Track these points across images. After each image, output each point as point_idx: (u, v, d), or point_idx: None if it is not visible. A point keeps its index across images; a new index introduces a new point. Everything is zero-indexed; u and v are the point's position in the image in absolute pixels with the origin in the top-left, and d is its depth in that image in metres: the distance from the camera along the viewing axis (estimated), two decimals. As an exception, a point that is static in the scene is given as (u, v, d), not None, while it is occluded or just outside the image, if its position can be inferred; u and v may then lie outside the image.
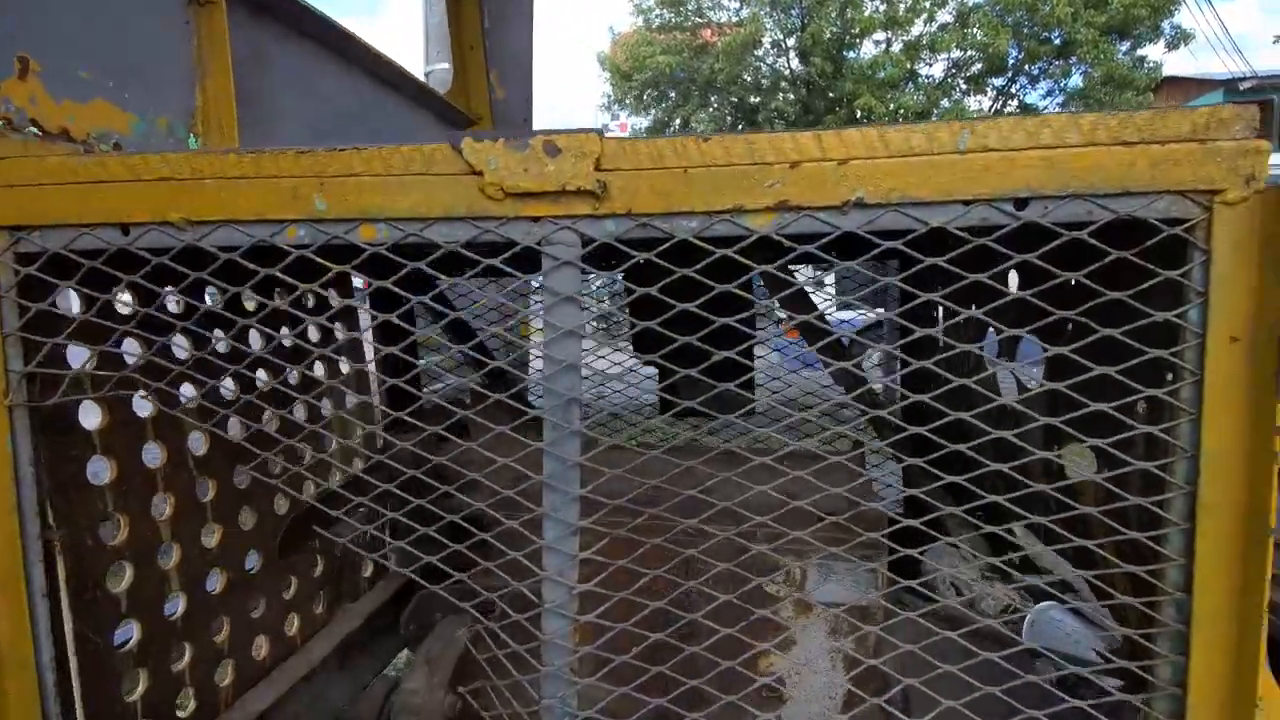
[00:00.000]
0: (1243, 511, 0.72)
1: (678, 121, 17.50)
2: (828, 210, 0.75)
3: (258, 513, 1.39)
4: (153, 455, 1.21)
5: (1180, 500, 0.75)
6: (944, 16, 15.73)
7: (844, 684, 1.23)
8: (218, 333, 1.03)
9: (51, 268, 0.89)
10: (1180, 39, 14.91)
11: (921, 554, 1.59)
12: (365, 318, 1.81)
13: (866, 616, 1.22)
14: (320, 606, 1.60)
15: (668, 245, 0.79)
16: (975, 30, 14.95)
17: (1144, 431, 0.76)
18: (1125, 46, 15.08)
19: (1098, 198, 0.70)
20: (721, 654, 0.90)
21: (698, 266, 0.79)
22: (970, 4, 15.23)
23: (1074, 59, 15.01)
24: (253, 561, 1.35)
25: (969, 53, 15.69)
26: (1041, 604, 1.54)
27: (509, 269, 0.82)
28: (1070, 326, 0.96)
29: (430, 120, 2.39)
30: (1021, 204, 0.71)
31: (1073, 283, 0.75)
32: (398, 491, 1.01)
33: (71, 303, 0.96)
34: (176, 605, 1.25)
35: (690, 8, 16.83)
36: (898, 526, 1.04)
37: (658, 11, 17.02)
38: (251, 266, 0.84)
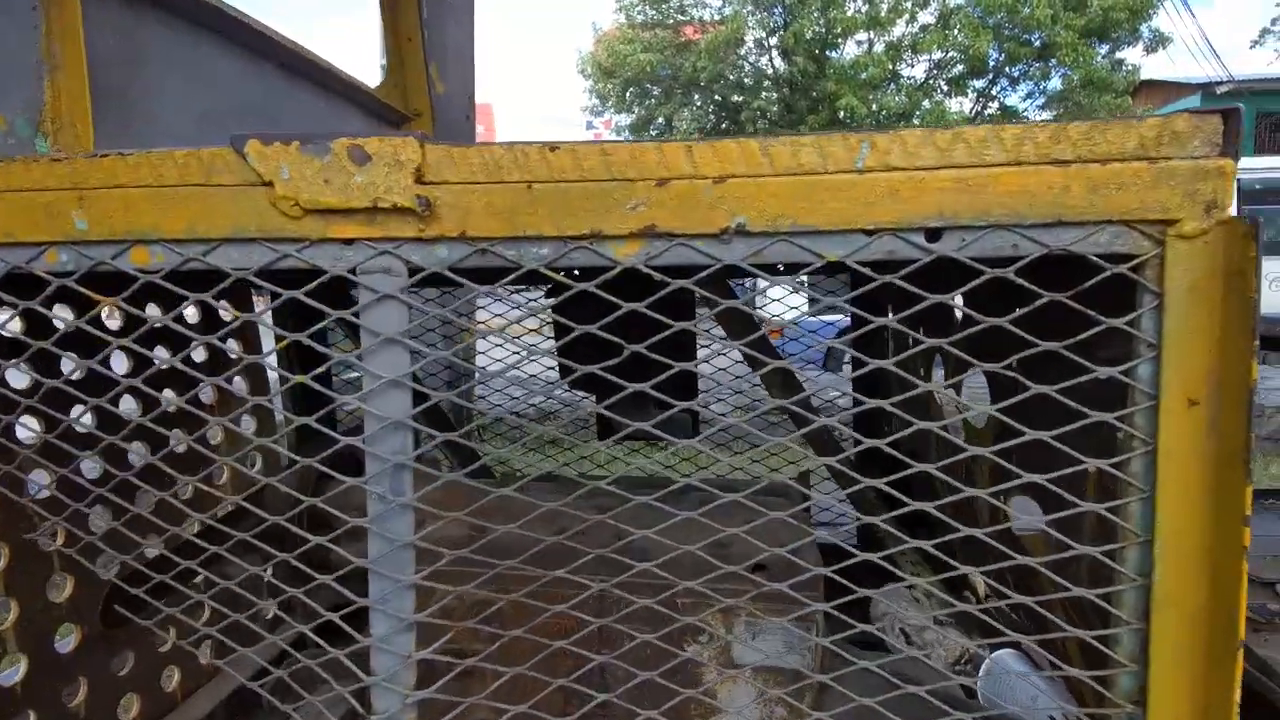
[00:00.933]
0: (1206, 613, 0.58)
1: (660, 120, 17.33)
2: (705, 239, 0.60)
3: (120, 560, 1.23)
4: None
5: (1132, 594, 0.61)
6: (926, 17, 15.69)
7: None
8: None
9: None
10: (1158, 43, 14.98)
11: (870, 596, 1.46)
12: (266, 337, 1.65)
13: (799, 680, 1.08)
14: (206, 656, 1.43)
15: (515, 276, 0.64)
16: (956, 32, 14.92)
17: (1087, 509, 0.62)
18: (1104, 49, 15.12)
19: (1024, 228, 0.56)
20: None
21: (597, 281, 0.63)
22: (952, 5, 15.20)
23: (1054, 61, 15.03)
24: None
25: (950, 54, 15.66)
26: (998, 652, 1.42)
27: (314, 302, 0.66)
28: (1015, 367, 0.83)
29: (359, 116, 2.22)
30: (934, 235, 0.57)
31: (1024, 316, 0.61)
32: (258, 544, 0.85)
33: None
34: (17, 671, 1.08)
35: (673, 5, 16.66)
36: (845, 564, 0.90)
37: (640, 8, 16.84)
38: (7, 299, 0.68)
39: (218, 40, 1.62)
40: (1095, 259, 0.56)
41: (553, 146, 0.61)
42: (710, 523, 0.74)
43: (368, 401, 0.65)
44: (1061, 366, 0.60)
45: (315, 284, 0.64)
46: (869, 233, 0.58)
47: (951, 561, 0.69)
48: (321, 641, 0.76)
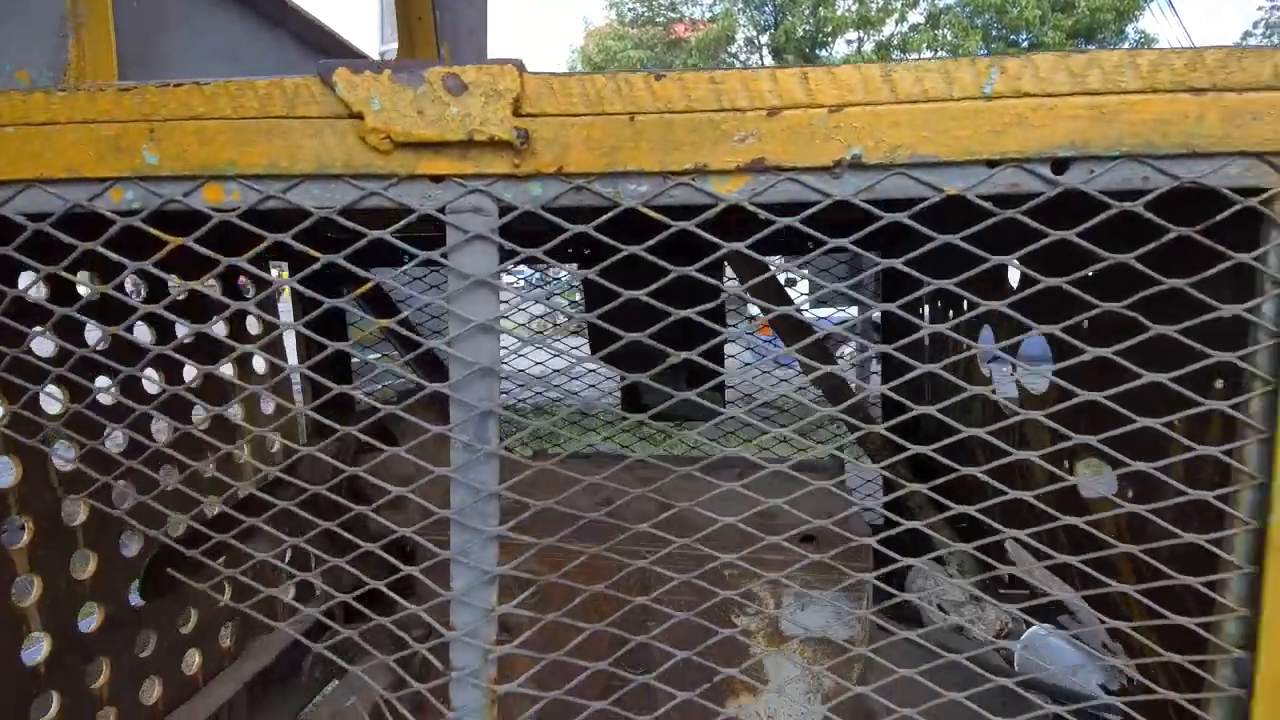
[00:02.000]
0: (1325, 557, 0.57)
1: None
2: (815, 172, 0.58)
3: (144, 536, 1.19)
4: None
5: (1244, 538, 0.60)
6: (915, 17, 15.81)
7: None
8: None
9: None
10: (1145, 44, 15.21)
11: (906, 571, 1.44)
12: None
13: (846, 651, 1.06)
14: (228, 639, 1.39)
15: (611, 215, 0.61)
16: (945, 31, 15.05)
17: (1198, 453, 0.61)
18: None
19: (1156, 159, 0.55)
20: (686, 690, 0.73)
21: (648, 244, 0.61)
22: (941, 5, 15.33)
23: (1041, 62, 15.20)
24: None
25: (939, 53, 15.80)
26: (1034, 627, 1.41)
27: (405, 245, 0.63)
28: (1088, 323, 0.81)
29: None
30: (1061, 166, 0.55)
31: (1098, 263, 0.60)
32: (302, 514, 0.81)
33: None
34: (40, 649, 1.04)
35: (663, 2, 16.65)
36: (883, 535, 0.88)
37: (631, 5, 16.81)
38: (68, 240, 0.64)
39: (237, 8, 1.57)
40: (1225, 191, 0.55)
41: (659, 75, 0.58)
42: (755, 495, 0.72)
43: (455, 346, 0.62)
44: (1168, 310, 0.59)
45: (404, 223, 0.61)
46: (991, 164, 0.56)
47: (994, 524, 0.67)
48: (364, 612, 0.73)
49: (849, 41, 16.17)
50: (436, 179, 0.61)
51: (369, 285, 0.67)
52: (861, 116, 0.56)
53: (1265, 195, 0.55)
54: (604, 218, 0.61)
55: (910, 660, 0.77)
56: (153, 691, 1.21)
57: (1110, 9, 14.03)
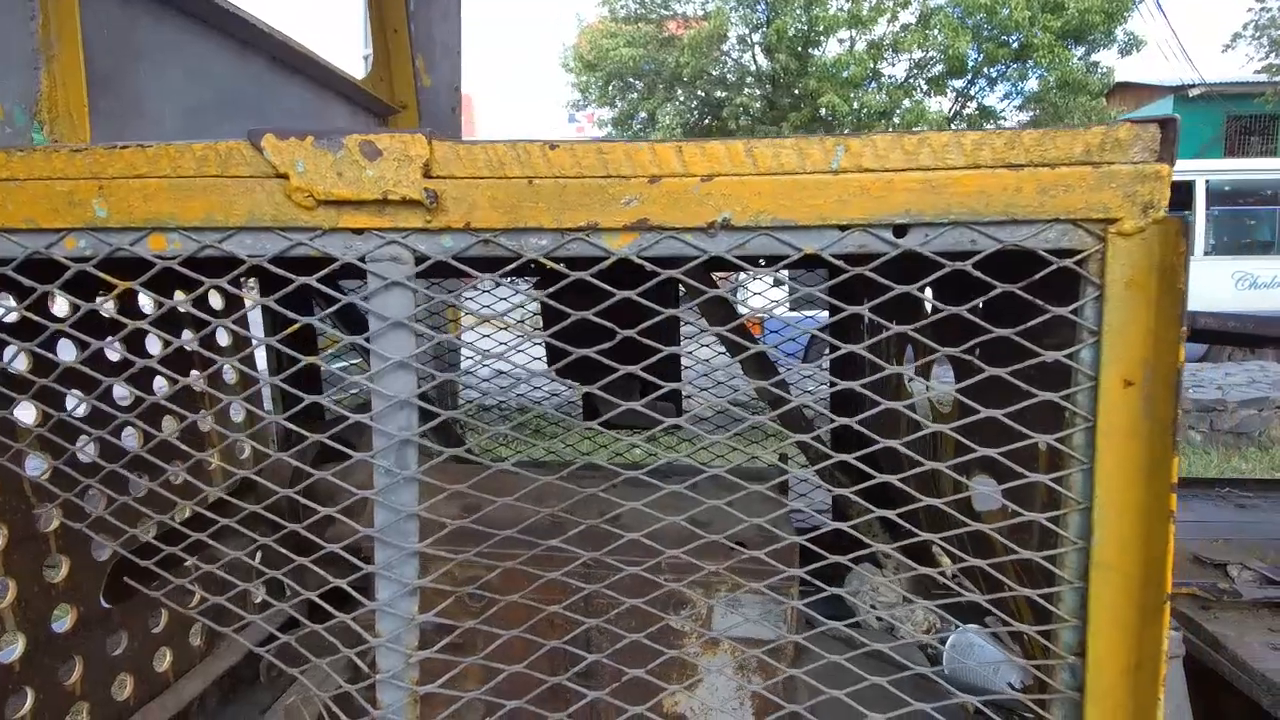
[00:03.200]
0: (1139, 572, 0.65)
1: (643, 114, 17.35)
2: (693, 232, 0.66)
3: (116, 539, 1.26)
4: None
5: (1074, 556, 0.68)
6: (907, 17, 15.87)
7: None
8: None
9: None
10: (1133, 45, 15.31)
11: (845, 573, 1.53)
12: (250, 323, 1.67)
13: (777, 652, 1.14)
14: (197, 638, 1.46)
15: (514, 266, 0.69)
16: (937, 32, 15.12)
17: (1034, 480, 0.69)
18: (1080, 51, 15.43)
19: (982, 225, 0.62)
20: (622, 696, 0.81)
21: (592, 270, 0.68)
22: (932, 5, 15.40)
23: (1031, 62, 15.31)
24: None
25: (930, 54, 15.87)
26: (963, 627, 1.50)
27: (324, 288, 0.70)
28: (977, 352, 0.89)
29: (345, 109, 2.24)
30: (900, 231, 0.63)
31: (981, 306, 0.68)
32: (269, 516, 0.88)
33: None
34: (15, 649, 1.11)
35: (656, -1, 16.68)
36: (817, 532, 0.96)
37: (623, 2, 16.82)
38: (27, 282, 0.71)
39: (208, 31, 1.64)
40: (1044, 253, 0.62)
41: (552, 145, 0.66)
42: (696, 497, 0.79)
43: (376, 381, 0.70)
44: (1015, 352, 0.67)
45: (327, 271, 0.68)
46: (842, 228, 0.63)
47: (916, 531, 0.75)
48: (329, 608, 0.80)
49: (840, 40, 16.24)
50: (357, 231, 0.68)
51: (296, 327, 0.74)
52: (729, 185, 0.64)
53: (1079, 256, 0.63)
54: (510, 267, 0.69)
55: (839, 662, 0.84)
56: (125, 688, 1.28)
57: (1099, 10, 14.11)
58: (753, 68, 17.15)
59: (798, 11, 15.47)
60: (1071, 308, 0.63)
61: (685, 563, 0.84)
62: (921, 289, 0.67)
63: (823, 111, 15.81)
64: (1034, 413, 0.67)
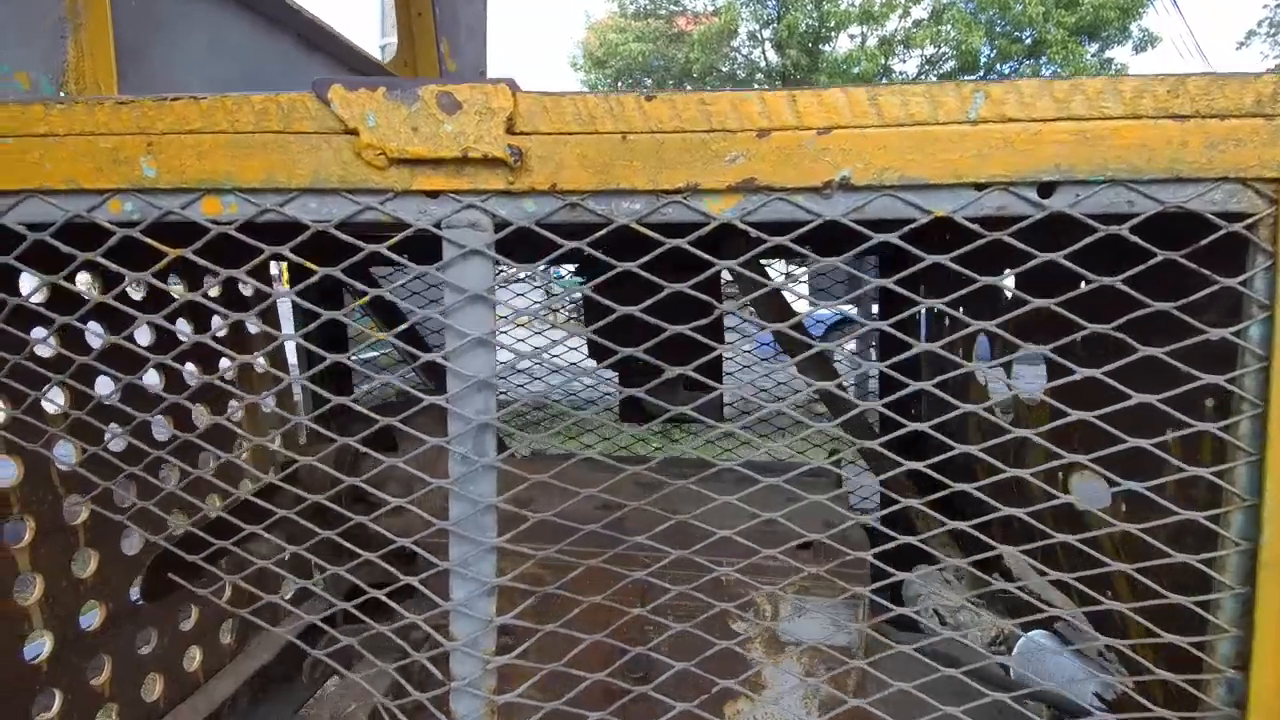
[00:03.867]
0: (1306, 575, 0.58)
1: (652, 110, 17.23)
2: (805, 192, 0.59)
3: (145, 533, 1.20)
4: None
5: (1236, 558, 0.61)
6: (919, 12, 15.73)
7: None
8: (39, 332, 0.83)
9: None
10: (1147, 42, 15.13)
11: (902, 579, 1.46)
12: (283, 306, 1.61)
13: (845, 656, 1.07)
14: (229, 636, 1.40)
15: (604, 233, 0.62)
16: (949, 27, 14.97)
17: (1190, 474, 0.61)
18: (1094, 48, 15.25)
19: (1141, 184, 0.55)
20: (682, 698, 0.74)
21: (643, 260, 0.62)
22: (945, 1, 15.25)
23: (1044, 59, 15.14)
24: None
25: (942, 50, 15.73)
26: (1028, 635, 1.42)
27: (399, 259, 0.64)
28: (1081, 339, 0.82)
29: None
30: (1047, 190, 0.56)
31: (1085, 284, 0.61)
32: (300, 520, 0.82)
33: None
34: (42, 648, 1.05)
35: (666, -6, 16.58)
36: (880, 550, 0.90)
37: (633, -4, 16.73)
38: (67, 250, 0.65)
39: (236, 6, 1.57)
40: (1209, 216, 0.55)
41: (649, 96, 0.59)
42: (755, 505, 0.73)
43: (452, 360, 0.63)
44: (1161, 328, 0.59)
45: (401, 237, 0.62)
46: (979, 186, 0.56)
47: (991, 542, 0.68)
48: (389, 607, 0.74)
49: (852, 36, 16.10)
50: (432, 194, 0.62)
51: (366, 298, 0.68)
52: (849, 138, 0.57)
53: (1249, 220, 0.56)
54: (597, 235, 0.62)
55: (906, 667, 0.78)
56: (154, 688, 1.23)
57: (1114, 6, 13.95)
58: (763, 64, 17.05)
59: (809, 7, 15.35)
60: (1240, 279, 0.56)
61: (778, 565, 0.77)
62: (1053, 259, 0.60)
63: (833, 108, 15.64)
64: (1170, 402, 0.60)
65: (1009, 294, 1.08)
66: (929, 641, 0.89)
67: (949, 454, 0.66)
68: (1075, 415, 0.61)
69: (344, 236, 0.61)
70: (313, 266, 0.63)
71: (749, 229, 0.60)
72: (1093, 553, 0.67)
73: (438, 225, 0.62)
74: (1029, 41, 15.03)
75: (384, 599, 0.74)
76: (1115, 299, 0.58)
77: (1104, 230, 0.56)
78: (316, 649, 1.16)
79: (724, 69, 17.21)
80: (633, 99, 0.59)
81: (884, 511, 1.56)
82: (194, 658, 1.33)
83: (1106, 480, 0.84)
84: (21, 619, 1.02)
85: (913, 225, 0.58)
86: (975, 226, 0.57)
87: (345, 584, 0.93)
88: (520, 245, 0.67)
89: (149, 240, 0.62)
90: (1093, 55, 15.15)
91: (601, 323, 0.66)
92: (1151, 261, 0.56)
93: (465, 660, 0.66)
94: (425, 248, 0.65)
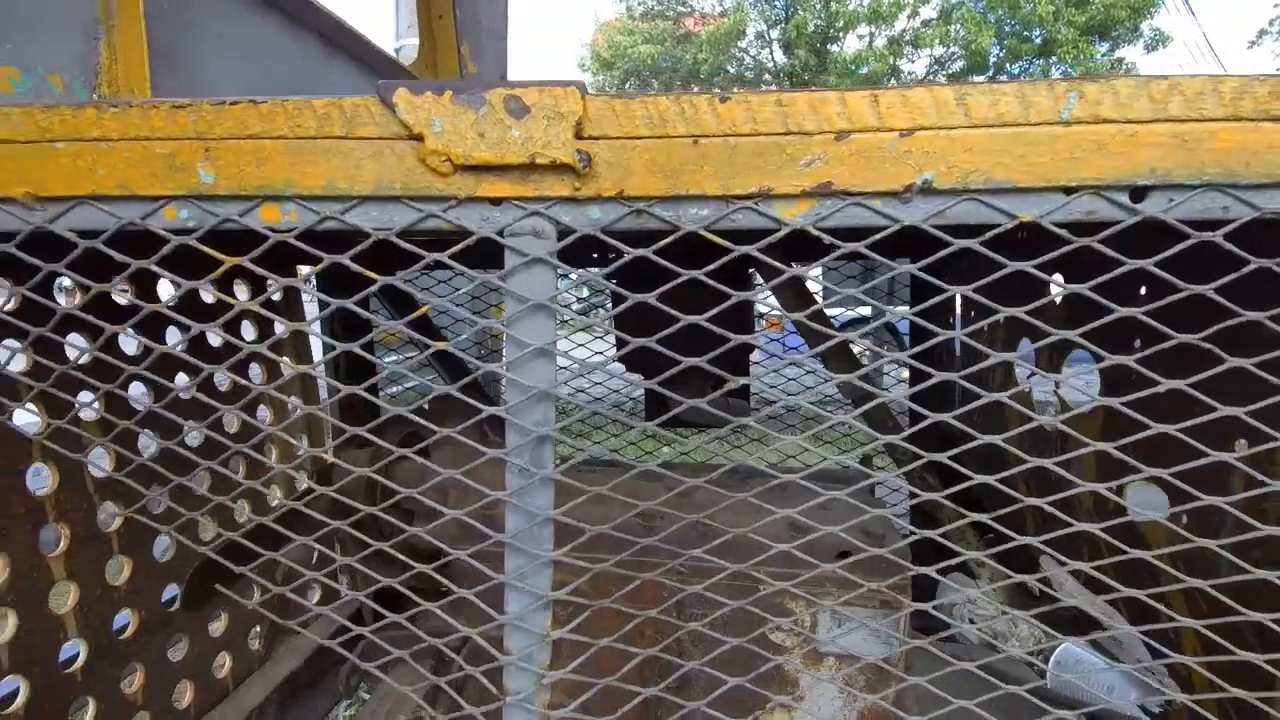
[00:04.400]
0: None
1: (659, 111, 17.22)
2: (883, 197, 0.57)
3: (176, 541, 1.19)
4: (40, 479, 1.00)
5: (1315, 575, 0.59)
6: (928, 12, 15.67)
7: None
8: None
9: None
10: (1159, 41, 15.02)
11: (936, 582, 1.44)
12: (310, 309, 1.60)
13: (885, 670, 1.05)
14: (257, 642, 1.39)
15: (670, 240, 0.60)
16: (958, 27, 14.90)
17: (1269, 489, 0.59)
18: (1105, 47, 15.15)
19: (1239, 189, 0.53)
20: (720, 709, 0.73)
21: (760, 245, 0.60)
22: (954, 0, 15.18)
23: (1054, 58, 15.04)
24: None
25: (951, 49, 15.65)
26: (1065, 643, 1.40)
27: (458, 266, 0.62)
28: (1139, 340, 0.80)
29: (393, 94, 2.16)
30: (1140, 194, 0.54)
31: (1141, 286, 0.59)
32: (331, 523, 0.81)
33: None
34: (78, 656, 1.04)
35: (674, -5, 16.56)
36: (911, 539, 0.88)
37: (641, -1, 16.72)
38: (120, 258, 0.63)
39: (264, 7, 1.56)
40: (1309, 222, 0.53)
41: (723, 98, 0.57)
42: (793, 511, 0.71)
43: (513, 370, 0.62)
44: (1237, 338, 0.57)
45: (462, 246, 0.60)
46: (1068, 190, 0.54)
47: (1053, 553, 0.66)
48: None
49: (860, 36, 16.05)
50: (495, 202, 0.60)
51: (426, 308, 0.67)
52: (933, 140, 0.55)
53: (1349, 226, 0.53)
54: (664, 242, 0.60)
55: (946, 675, 0.76)
56: (185, 695, 1.22)
57: (1125, 5, 13.85)
58: (771, 64, 17.01)
59: (817, 7, 15.31)
60: (1340, 286, 0.54)
61: (788, 580, 0.75)
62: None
63: (841, 108, 15.59)
64: (1229, 394, 0.57)
65: (1057, 287, 1.06)
66: (984, 662, 0.87)
67: (999, 474, 0.64)
68: (1154, 428, 0.59)
69: (404, 242, 0.60)
70: (372, 275, 0.61)
71: (821, 235, 0.58)
72: (1155, 562, 0.65)
73: (500, 233, 0.60)
74: (1039, 41, 14.95)
75: (444, 615, 0.73)
76: (1186, 304, 0.56)
77: (1196, 236, 0.54)
78: (355, 655, 1.15)
79: (731, 70, 17.18)
80: (705, 100, 0.57)
81: (913, 503, 1.54)
82: (223, 664, 1.32)
83: (1167, 492, 0.82)
84: (57, 627, 1.01)
85: (996, 231, 0.55)
86: (1063, 232, 0.55)
87: (374, 587, 0.91)
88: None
89: (206, 249, 0.61)
90: (1103, 55, 15.05)
91: (627, 342, 0.64)
92: (1246, 269, 0.54)
93: (519, 675, 0.64)
94: (474, 250, 0.63)
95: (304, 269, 1.52)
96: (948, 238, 0.55)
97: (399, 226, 0.60)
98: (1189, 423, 0.58)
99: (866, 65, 15.12)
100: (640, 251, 0.60)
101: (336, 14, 1.78)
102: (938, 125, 0.55)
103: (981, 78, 16.37)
